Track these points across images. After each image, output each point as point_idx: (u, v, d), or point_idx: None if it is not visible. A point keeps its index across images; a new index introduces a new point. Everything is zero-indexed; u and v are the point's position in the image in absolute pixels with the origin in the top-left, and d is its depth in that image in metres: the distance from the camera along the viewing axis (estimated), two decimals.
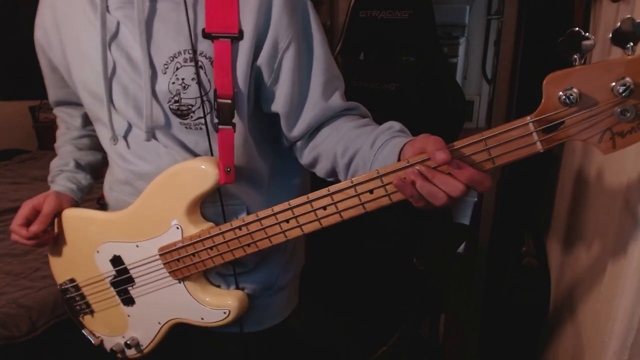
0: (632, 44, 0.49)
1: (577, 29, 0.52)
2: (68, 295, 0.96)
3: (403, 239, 1.44)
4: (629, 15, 0.49)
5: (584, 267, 1.04)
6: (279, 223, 0.70)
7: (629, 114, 0.51)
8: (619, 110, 0.51)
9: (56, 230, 0.92)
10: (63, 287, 0.95)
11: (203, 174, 0.75)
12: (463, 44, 4.12)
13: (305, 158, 0.82)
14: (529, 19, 1.52)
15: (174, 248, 0.79)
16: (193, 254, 0.78)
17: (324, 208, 0.66)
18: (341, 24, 1.57)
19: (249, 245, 0.74)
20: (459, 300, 1.86)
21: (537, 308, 1.44)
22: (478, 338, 1.73)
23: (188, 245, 0.78)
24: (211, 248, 0.76)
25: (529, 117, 0.55)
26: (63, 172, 0.97)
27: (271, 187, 0.87)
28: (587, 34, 0.51)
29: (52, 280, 1.57)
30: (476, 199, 3.04)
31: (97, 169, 0.99)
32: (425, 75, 1.42)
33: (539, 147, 0.55)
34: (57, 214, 0.92)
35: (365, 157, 0.68)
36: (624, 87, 0.49)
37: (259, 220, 0.71)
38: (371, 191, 0.62)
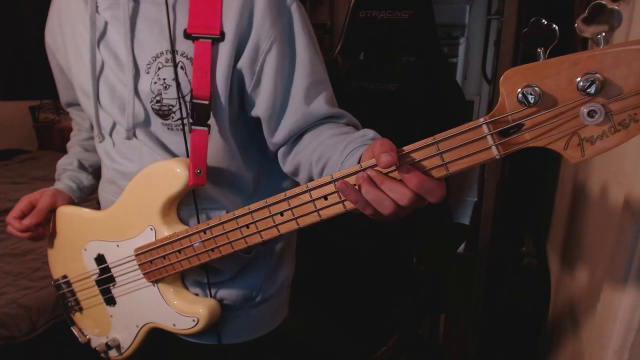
0: (603, 34, 0.42)
1: (541, 19, 0.45)
2: (61, 292, 0.97)
3: (402, 239, 1.44)
4: (599, 0, 0.42)
5: (584, 267, 1.04)
6: (239, 228, 0.67)
7: (597, 116, 0.43)
8: (585, 111, 0.43)
9: (51, 226, 0.94)
10: (56, 283, 0.97)
11: (173, 175, 0.75)
12: (463, 44, 4.12)
13: (287, 166, 0.79)
14: (529, 19, 1.52)
15: (146, 250, 0.79)
16: (164, 257, 0.77)
17: (281, 214, 0.62)
18: (341, 24, 1.57)
19: (212, 250, 0.72)
20: (459, 300, 1.86)
21: (537, 308, 1.45)
22: (478, 338, 1.73)
23: (159, 247, 0.77)
24: (179, 251, 0.75)
25: (482, 119, 0.49)
26: (66, 171, 0.99)
27: (257, 191, 0.85)
28: (553, 24, 0.44)
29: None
30: (476, 199, 3.04)
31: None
32: (425, 75, 1.42)
33: (494, 152, 0.49)
34: (53, 210, 0.93)
35: (334, 165, 0.65)
36: (589, 83, 0.42)
37: (222, 224, 0.69)
38: (325, 197, 0.58)
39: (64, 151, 1.05)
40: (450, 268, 1.56)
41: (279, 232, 0.64)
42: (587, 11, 0.41)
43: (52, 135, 3.32)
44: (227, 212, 0.80)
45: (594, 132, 0.45)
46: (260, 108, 0.76)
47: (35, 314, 1.46)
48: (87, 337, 0.96)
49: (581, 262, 1.07)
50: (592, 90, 0.42)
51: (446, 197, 0.54)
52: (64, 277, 0.95)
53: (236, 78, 0.75)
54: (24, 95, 3.04)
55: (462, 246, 1.51)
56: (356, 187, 0.55)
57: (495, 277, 1.69)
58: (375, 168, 0.54)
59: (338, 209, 0.58)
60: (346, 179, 0.56)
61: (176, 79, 0.73)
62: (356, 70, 1.53)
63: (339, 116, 0.77)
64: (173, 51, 0.72)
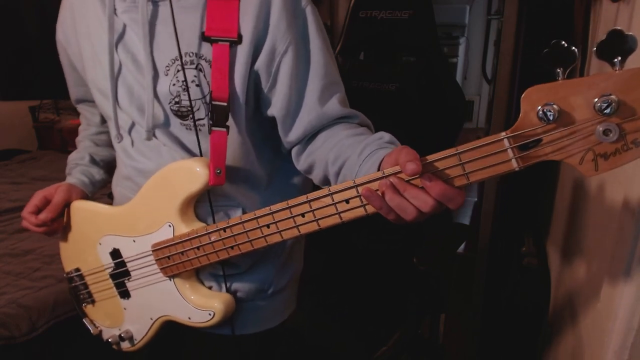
0: (619, 58, 0.45)
1: (561, 41, 0.48)
2: (73, 284, 0.98)
3: (403, 239, 1.44)
4: (617, 27, 0.45)
5: (584, 267, 1.04)
6: (260, 227, 0.69)
7: (611, 134, 0.47)
8: (601, 129, 0.47)
9: (65, 220, 0.96)
10: (69, 275, 0.99)
11: (193, 174, 0.77)
12: (463, 44, 4.13)
13: (301, 164, 0.82)
14: (529, 19, 1.52)
15: (164, 245, 0.81)
16: (182, 253, 0.79)
17: (302, 215, 0.65)
18: (341, 24, 1.57)
19: (232, 247, 0.74)
20: (459, 300, 1.86)
21: (537, 308, 1.44)
22: (478, 338, 1.73)
23: (177, 243, 0.79)
24: (198, 248, 0.77)
25: (504, 133, 0.52)
26: (78, 165, 1.00)
27: (270, 187, 0.87)
28: (573, 47, 0.48)
29: (52, 280, 1.59)
30: (476, 199, 3.04)
31: (112, 164, 1.02)
32: (425, 75, 1.42)
33: (514, 164, 0.52)
34: (67, 204, 0.95)
35: (352, 166, 0.68)
36: (606, 104, 0.46)
37: (242, 223, 0.71)
38: (347, 201, 0.61)
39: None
40: (450, 268, 1.56)
41: (300, 232, 0.66)
42: (605, 36, 0.45)
43: (52, 135, 3.31)
44: (243, 209, 0.83)
45: (607, 149, 0.48)
46: (276, 108, 0.78)
47: (35, 314, 1.46)
48: (99, 328, 0.98)
49: (581, 262, 1.07)
50: (608, 110, 0.46)
51: None
52: (77, 270, 0.97)
53: (253, 79, 0.77)
54: (24, 95, 3.04)
55: (462, 246, 1.51)
56: (379, 193, 0.57)
57: (495, 277, 1.69)
58: (397, 175, 0.57)
59: (359, 212, 0.61)
60: (368, 185, 0.59)
61: (186, 82, 0.75)
62: (356, 70, 1.53)
63: (352, 116, 0.80)
64: (181, 56, 0.74)
